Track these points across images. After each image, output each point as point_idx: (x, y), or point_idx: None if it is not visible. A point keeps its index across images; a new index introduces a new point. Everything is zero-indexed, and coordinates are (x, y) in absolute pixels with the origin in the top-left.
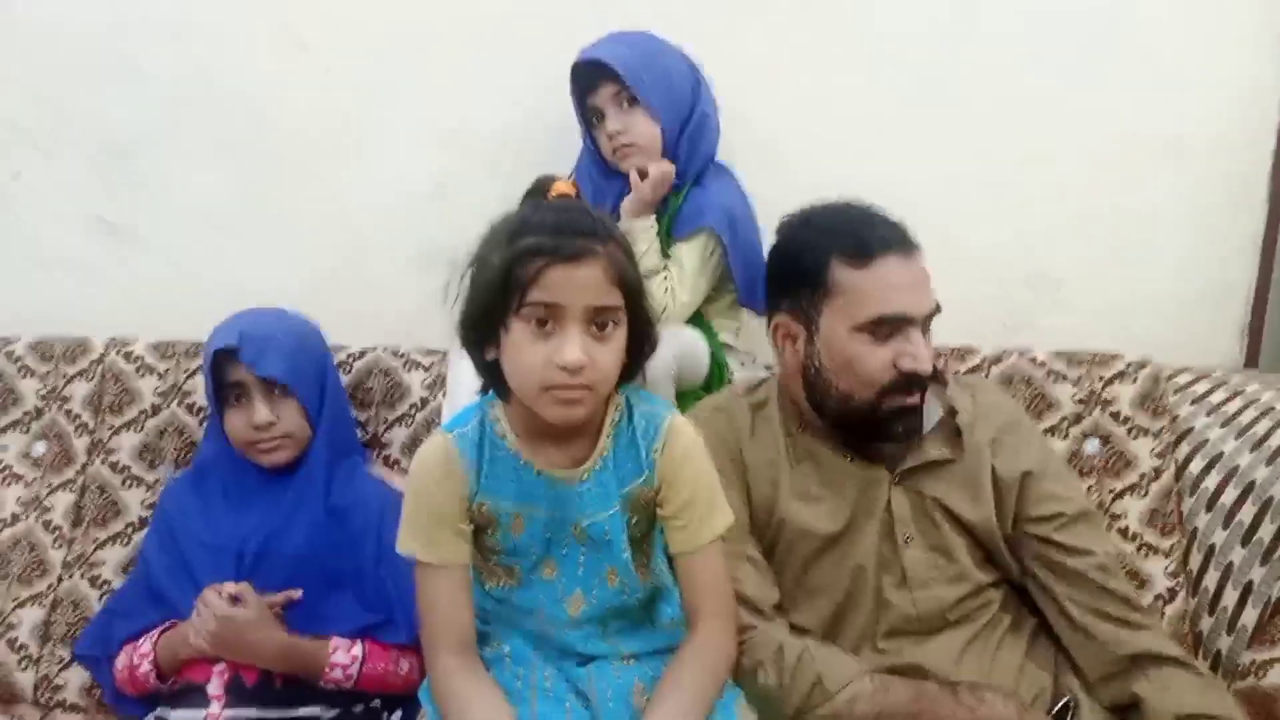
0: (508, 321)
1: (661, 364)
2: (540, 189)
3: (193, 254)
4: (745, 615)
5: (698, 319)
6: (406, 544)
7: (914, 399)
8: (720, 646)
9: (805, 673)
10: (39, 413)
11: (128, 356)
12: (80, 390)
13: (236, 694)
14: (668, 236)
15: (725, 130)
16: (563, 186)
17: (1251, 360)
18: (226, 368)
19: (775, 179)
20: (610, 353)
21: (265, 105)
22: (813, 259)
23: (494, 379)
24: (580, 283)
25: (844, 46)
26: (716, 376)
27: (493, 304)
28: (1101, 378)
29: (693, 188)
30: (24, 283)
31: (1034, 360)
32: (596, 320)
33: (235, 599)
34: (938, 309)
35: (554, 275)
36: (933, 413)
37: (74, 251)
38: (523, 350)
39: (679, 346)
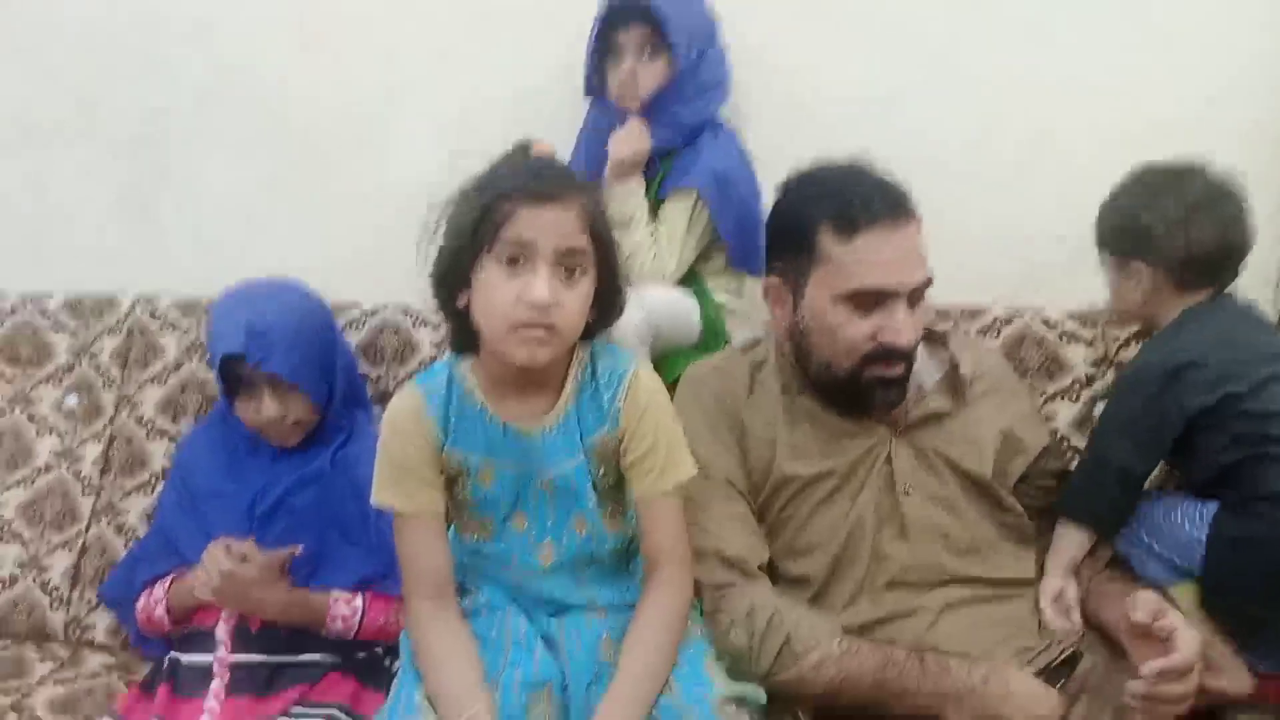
0: (480, 262)
1: (632, 329)
2: (519, 149)
3: (216, 241)
4: (724, 573)
5: (693, 279)
6: (381, 495)
7: (895, 370)
8: (677, 592)
9: (774, 635)
10: (71, 367)
11: (153, 313)
12: (109, 345)
13: (242, 639)
14: (658, 199)
15: (745, 90)
16: (543, 146)
17: None
18: (233, 363)
19: (787, 141)
20: (577, 298)
21: (285, 98)
22: (802, 225)
23: (462, 328)
24: (552, 223)
25: (852, 24)
26: (712, 337)
27: (467, 244)
28: (1116, 338)
29: (685, 149)
30: (51, 272)
31: (1046, 321)
32: (566, 263)
33: (236, 555)
34: (929, 281)
35: (527, 214)
36: (935, 368)
37: (99, 241)
38: (493, 290)
39: (656, 308)
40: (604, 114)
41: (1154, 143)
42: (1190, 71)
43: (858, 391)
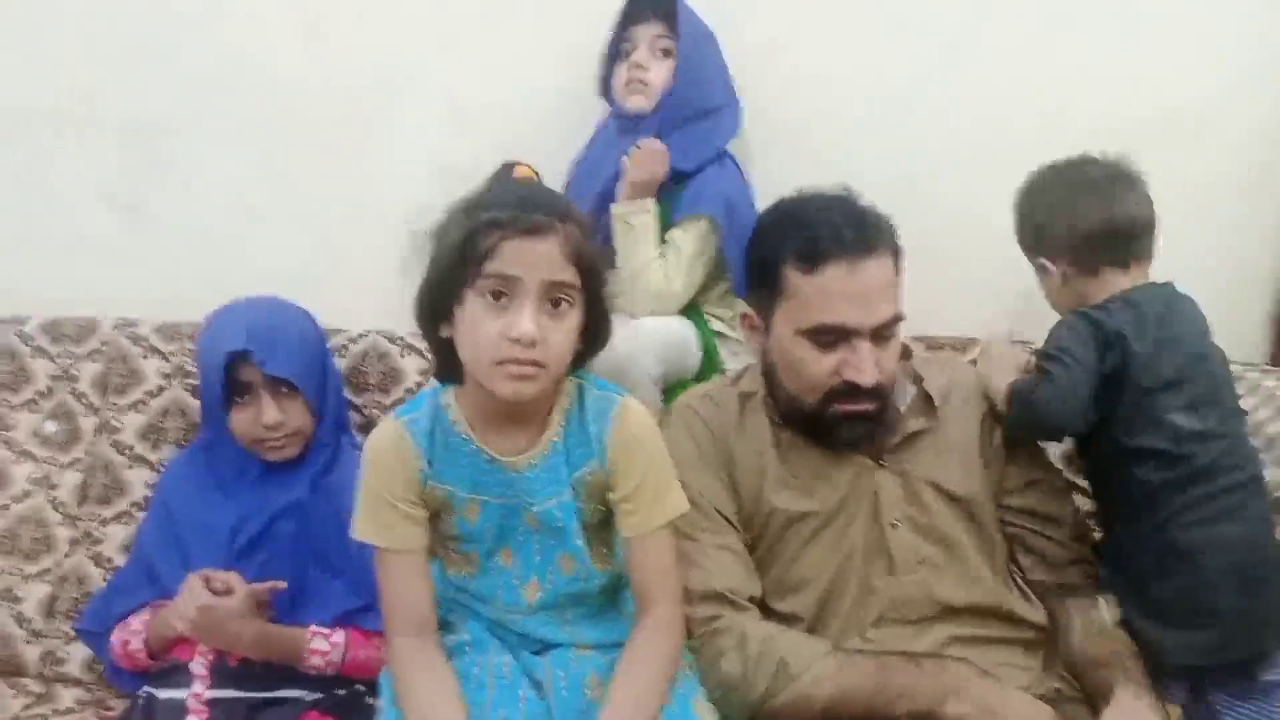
0: (463, 294)
1: (643, 371)
2: (504, 173)
3: (212, 235)
4: (713, 607)
5: (690, 307)
6: (362, 529)
7: (862, 406)
8: (671, 633)
9: (769, 658)
10: (50, 392)
11: (134, 338)
12: (88, 371)
13: (220, 674)
14: (667, 223)
15: (745, 107)
16: (525, 170)
17: (1277, 347)
18: (232, 367)
19: (789, 158)
20: (564, 332)
21: (285, 90)
22: (770, 257)
23: (447, 359)
24: (537, 256)
25: (860, 21)
26: (708, 366)
27: (450, 277)
28: None
29: (695, 175)
30: (45, 262)
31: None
32: (551, 297)
33: (218, 588)
34: (897, 318)
35: (511, 247)
36: (906, 390)
37: (96, 231)
38: (478, 324)
39: (664, 343)
40: (624, 131)
41: (1166, 144)
42: (1206, 68)
43: (824, 426)
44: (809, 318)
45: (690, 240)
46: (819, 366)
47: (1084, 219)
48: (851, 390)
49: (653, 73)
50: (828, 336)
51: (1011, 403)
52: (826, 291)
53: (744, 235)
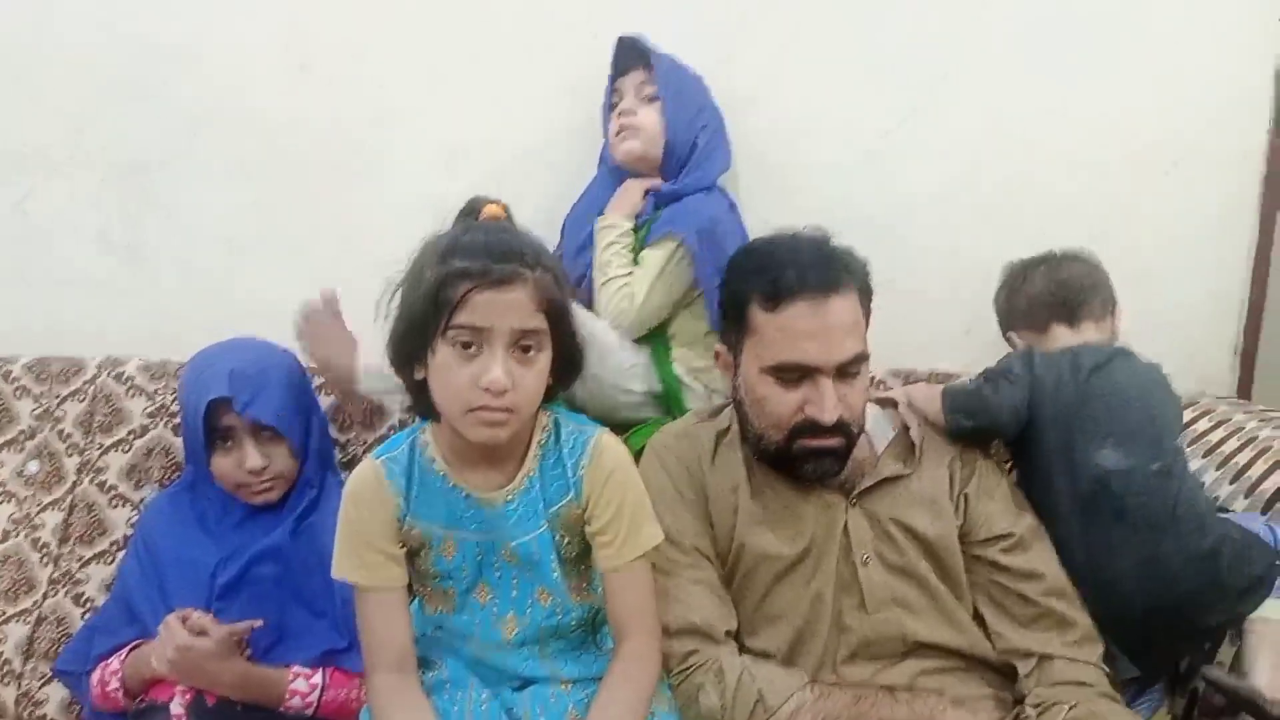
0: (434, 343)
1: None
2: (472, 210)
3: (203, 272)
4: (690, 641)
5: (659, 347)
6: (341, 568)
7: (827, 442)
8: (646, 665)
9: (747, 691)
10: (33, 432)
11: (119, 377)
12: (73, 410)
13: (198, 715)
14: (642, 247)
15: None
16: (493, 209)
17: (1245, 379)
18: (215, 412)
19: (774, 193)
20: (534, 376)
21: (276, 128)
22: (738, 295)
23: (422, 399)
24: (506, 306)
25: (843, 61)
26: (674, 406)
27: (421, 324)
28: None
29: (679, 201)
30: (36, 299)
31: None
32: (521, 343)
33: (194, 628)
34: (860, 356)
35: (480, 299)
36: (885, 432)
37: (86, 269)
38: (449, 372)
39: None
40: (619, 181)
41: (1136, 181)
42: (1178, 111)
43: (791, 461)
44: (772, 355)
45: (657, 258)
46: (782, 403)
47: (1033, 286)
48: (814, 427)
49: (641, 116)
50: (791, 374)
51: (945, 400)
52: (789, 329)
53: (722, 265)
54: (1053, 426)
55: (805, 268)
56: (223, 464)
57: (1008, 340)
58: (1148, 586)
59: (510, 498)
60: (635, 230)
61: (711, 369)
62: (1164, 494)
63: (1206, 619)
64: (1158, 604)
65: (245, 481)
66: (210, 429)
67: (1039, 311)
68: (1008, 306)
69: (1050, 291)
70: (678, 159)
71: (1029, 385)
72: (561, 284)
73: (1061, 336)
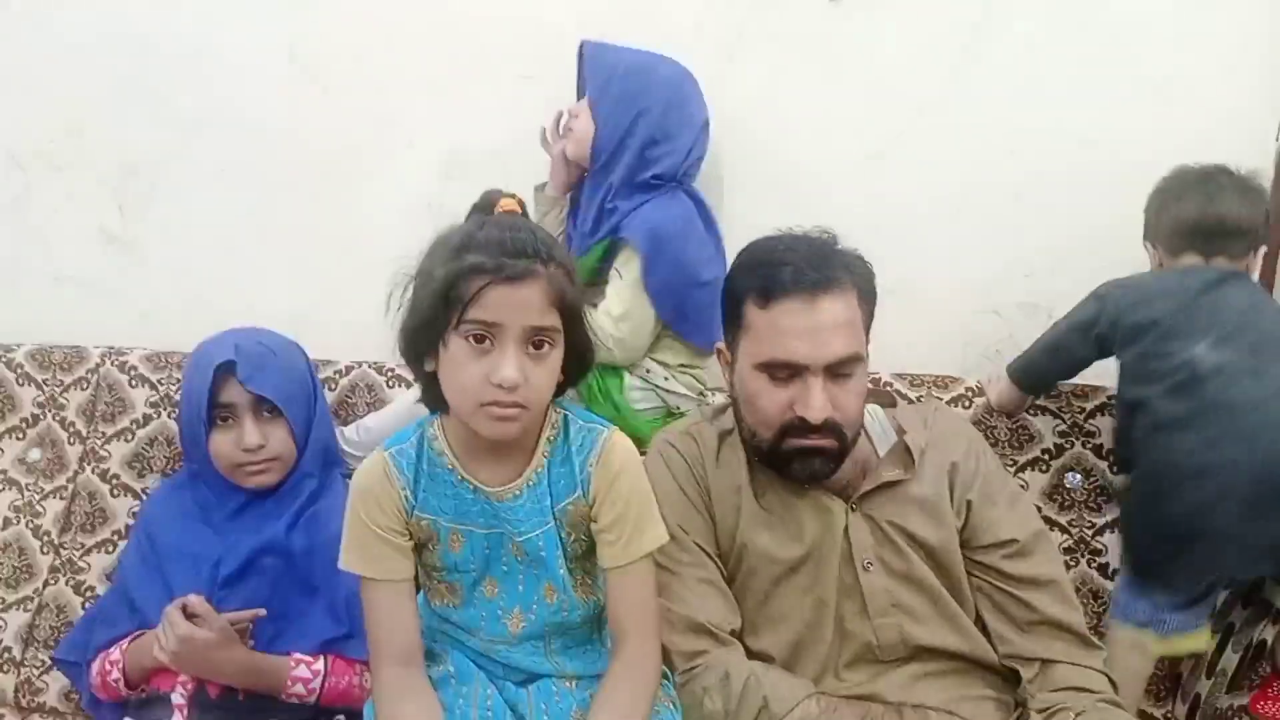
0: (447, 337)
1: None
2: (487, 204)
3: (200, 272)
4: (696, 640)
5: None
6: (348, 560)
7: (817, 441)
8: (647, 665)
9: (752, 697)
10: (35, 420)
11: (122, 366)
12: (76, 399)
13: (200, 705)
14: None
15: (727, 157)
16: (509, 203)
17: None
18: (217, 387)
19: (773, 201)
20: (545, 372)
21: (274, 130)
22: (735, 292)
23: (432, 391)
24: (520, 303)
25: (844, 76)
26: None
27: (433, 318)
28: (1083, 409)
29: (626, 203)
30: (34, 297)
31: None
32: (533, 340)
33: (195, 616)
34: (854, 356)
35: (494, 294)
36: (887, 436)
37: (84, 267)
38: (460, 366)
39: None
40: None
41: (1138, 196)
42: (1175, 124)
43: (781, 460)
44: (763, 352)
45: (630, 268)
46: (772, 401)
47: (1184, 209)
48: (803, 425)
49: (575, 120)
50: (781, 371)
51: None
52: (779, 327)
53: (675, 268)
54: (1153, 328)
55: (800, 266)
56: (221, 442)
57: (1145, 247)
58: (1246, 472)
59: (518, 493)
60: (596, 245)
61: (692, 368)
62: (1258, 389)
63: None
64: (1262, 482)
65: (242, 461)
66: (211, 407)
67: (1178, 239)
68: (1155, 219)
69: (1196, 221)
70: (605, 151)
71: (1095, 342)
72: (575, 281)
73: (1191, 265)
